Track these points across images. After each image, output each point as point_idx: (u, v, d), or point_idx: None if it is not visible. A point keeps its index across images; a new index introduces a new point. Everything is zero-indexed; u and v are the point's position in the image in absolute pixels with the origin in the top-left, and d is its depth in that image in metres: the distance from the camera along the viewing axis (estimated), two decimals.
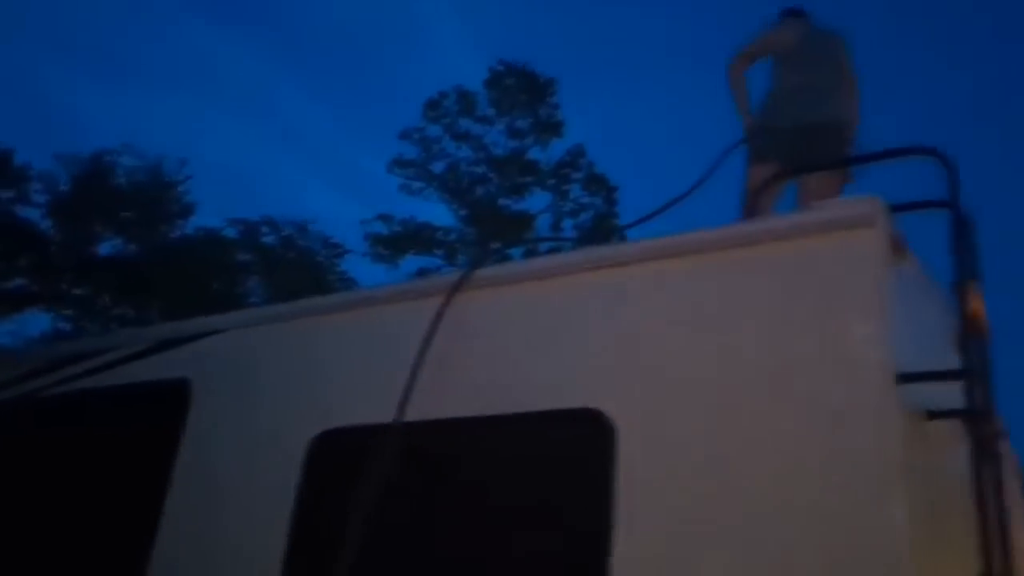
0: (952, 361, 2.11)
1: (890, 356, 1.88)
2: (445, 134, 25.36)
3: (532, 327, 2.40)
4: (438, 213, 25.95)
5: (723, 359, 2.07)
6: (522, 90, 25.18)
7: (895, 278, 2.04)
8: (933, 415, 2.02)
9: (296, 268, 23.04)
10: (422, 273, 24.44)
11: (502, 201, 25.59)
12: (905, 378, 1.90)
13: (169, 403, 3.04)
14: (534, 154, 25.60)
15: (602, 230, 24.39)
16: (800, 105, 3.70)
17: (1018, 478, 3.27)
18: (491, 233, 24.96)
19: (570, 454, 2.43)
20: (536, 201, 25.65)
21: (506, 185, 25.54)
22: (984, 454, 1.94)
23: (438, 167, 25.38)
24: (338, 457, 2.72)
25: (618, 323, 2.24)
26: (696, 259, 2.19)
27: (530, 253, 24.98)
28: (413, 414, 2.47)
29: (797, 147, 3.60)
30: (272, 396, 2.90)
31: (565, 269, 2.42)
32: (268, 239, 24.07)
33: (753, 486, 1.92)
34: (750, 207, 3.33)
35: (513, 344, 2.43)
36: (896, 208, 2.17)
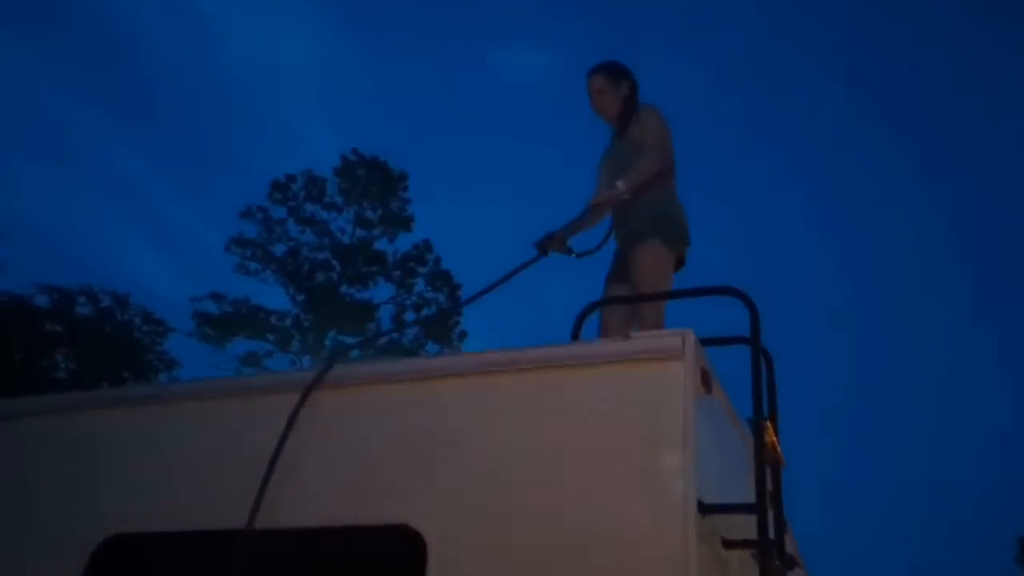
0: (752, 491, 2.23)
1: (693, 487, 1.96)
2: (290, 217, 24.95)
3: (347, 436, 2.33)
4: (274, 296, 25.15)
5: (536, 480, 2.09)
6: (373, 182, 25.35)
7: (703, 409, 2.16)
8: (729, 544, 2.11)
9: (112, 344, 21.42)
10: (251, 358, 23.42)
11: (344, 289, 25.25)
12: (706, 509, 1.98)
13: None
14: (381, 245, 25.63)
15: (444, 326, 24.49)
16: (685, 218, 3.85)
17: None
18: (329, 321, 24.47)
19: (383, 572, 2.34)
20: (380, 292, 25.53)
21: (349, 273, 25.29)
22: None
23: (279, 249, 24.80)
24: (127, 568, 2.48)
25: (435, 436, 2.22)
26: (517, 376, 2.22)
27: (369, 344, 24.70)
28: (228, 522, 2.32)
29: (682, 254, 3.76)
30: (54, 495, 2.63)
31: (386, 377, 2.39)
32: (83, 310, 22.36)
33: None
34: (652, 282, 3.54)
35: (330, 453, 2.34)
36: (706, 342, 2.31)
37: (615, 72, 4.03)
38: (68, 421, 2.76)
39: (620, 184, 3.69)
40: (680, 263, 3.79)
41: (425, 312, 25.27)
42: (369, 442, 2.29)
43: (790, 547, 2.87)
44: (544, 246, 3.87)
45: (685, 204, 3.91)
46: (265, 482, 2.24)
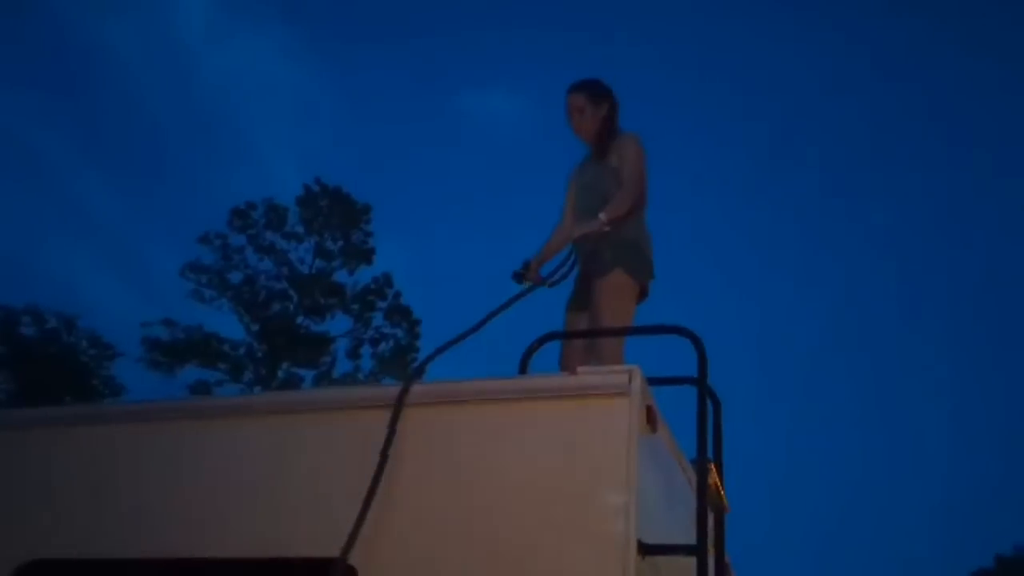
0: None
1: (634, 526, 1.93)
2: (248, 245, 24.66)
3: (288, 466, 2.26)
4: (228, 325, 24.69)
5: (474, 515, 2.04)
6: (335, 212, 25.21)
7: (647, 448, 2.14)
8: None
9: (56, 366, 20.80)
10: (201, 387, 22.93)
11: (301, 320, 24.93)
12: (646, 549, 1.95)
13: None
14: (341, 277, 25.41)
15: (402, 361, 24.28)
16: (651, 249, 3.85)
17: None
18: (283, 351, 24.11)
19: None
20: (337, 325, 25.25)
21: (307, 304, 25.00)
22: None
23: (235, 277, 24.44)
24: None
25: (371, 469, 2.16)
26: (460, 409, 2.18)
27: (323, 377, 24.32)
28: (153, 551, 2.26)
29: (646, 286, 3.76)
30: None
31: (321, 407, 2.33)
32: (28, 330, 21.73)
33: None
34: (614, 312, 3.50)
35: (266, 482, 2.27)
36: (654, 381, 2.30)
37: (596, 91, 3.95)
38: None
39: (603, 216, 3.65)
40: (644, 295, 3.78)
41: (383, 346, 25.03)
42: (303, 474, 2.23)
43: None
44: (522, 275, 3.86)
45: (654, 236, 3.91)
46: (362, 514, 2.07)
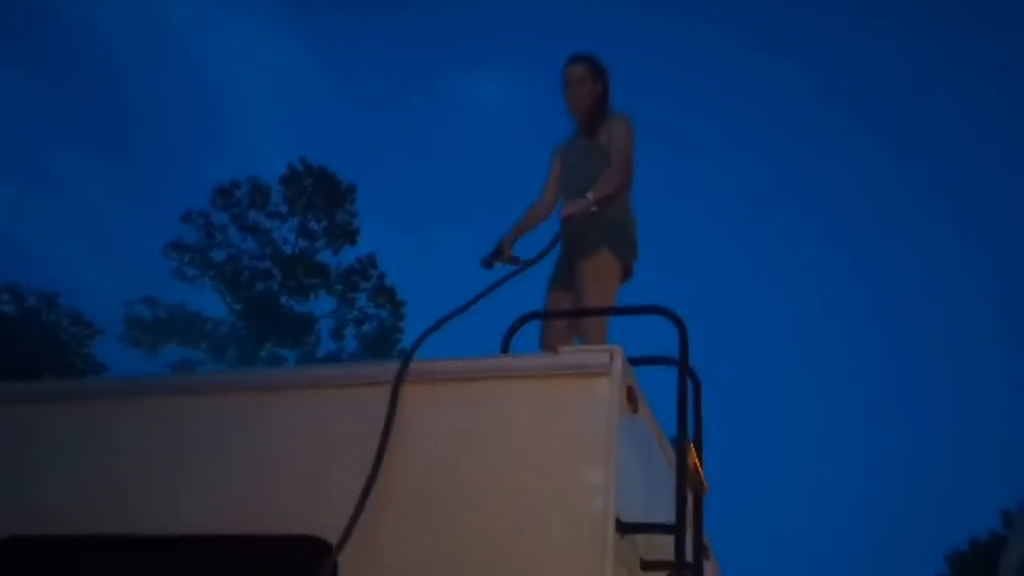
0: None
1: (612, 505, 1.94)
2: (232, 224, 24.45)
3: (260, 442, 2.25)
4: (211, 304, 24.49)
5: (453, 491, 2.05)
6: (320, 192, 25.04)
7: (628, 427, 2.15)
8: (647, 565, 2.09)
9: (35, 345, 20.62)
10: (183, 366, 22.82)
11: (284, 300, 24.81)
12: (624, 528, 1.97)
13: None
14: (325, 257, 25.27)
15: (386, 342, 24.25)
16: (635, 236, 3.85)
17: None
18: (267, 331, 24.02)
19: None
20: (320, 305, 25.15)
21: (290, 284, 24.87)
22: None
23: (218, 256, 24.25)
24: (21, 572, 2.36)
25: (348, 448, 2.15)
26: (442, 387, 2.18)
27: (306, 357, 24.25)
28: (126, 527, 2.26)
29: (630, 266, 3.77)
30: None
31: (303, 383, 2.33)
32: (7, 308, 21.51)
33: None
34: (599, 292, 3.51)
35: (240, 459, 2.26)
36: (635, 361, 2.31)
37: (595, 67, 3.95)
38: None
39: (591, 195, 3.64)
40: (628, 275, 3.78)
41: (367, 327, 24.98)
42: (278, 449, 2.22)
43: (711, 572, 2.87)
44: (489, 261, 3.84)
45: (638, 215, 3.92)
46: (367, 490, 2.04)
